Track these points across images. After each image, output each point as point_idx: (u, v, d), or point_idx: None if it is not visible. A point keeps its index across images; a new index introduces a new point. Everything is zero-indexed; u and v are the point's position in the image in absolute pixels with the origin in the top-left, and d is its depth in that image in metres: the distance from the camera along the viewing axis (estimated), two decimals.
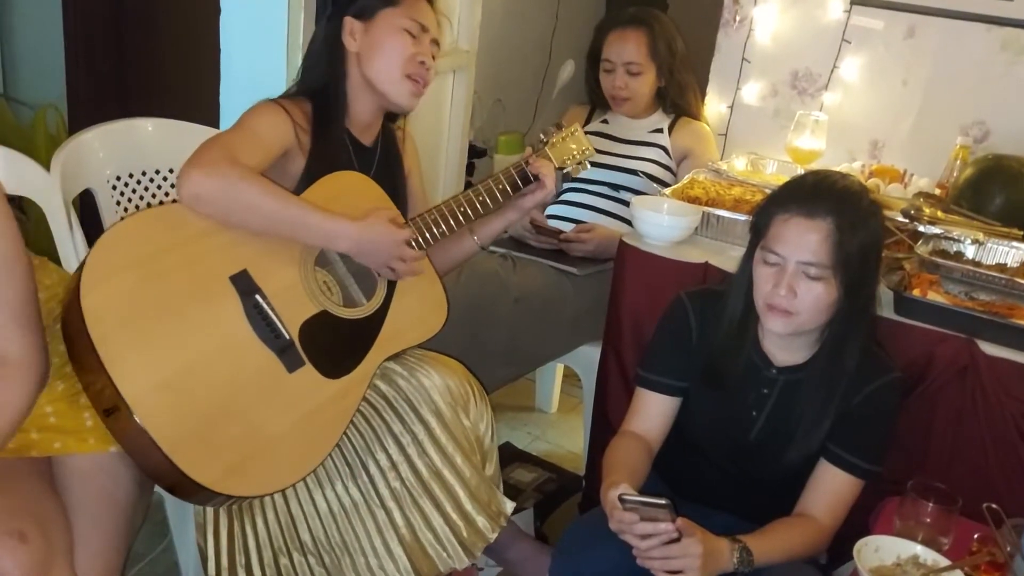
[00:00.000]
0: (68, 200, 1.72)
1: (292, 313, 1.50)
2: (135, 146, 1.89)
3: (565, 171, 1.80)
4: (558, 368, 2.80)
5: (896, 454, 1.55)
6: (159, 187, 1.94)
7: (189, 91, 2.74)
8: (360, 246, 1.53)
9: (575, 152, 1.80)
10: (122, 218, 1.45)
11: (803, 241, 1.39)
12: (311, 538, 1.55)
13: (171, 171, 1.94)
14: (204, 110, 2.64)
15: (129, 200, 1.89)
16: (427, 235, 1.63)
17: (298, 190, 1.58)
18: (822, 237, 1.38)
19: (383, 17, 1.65)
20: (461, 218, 1.66)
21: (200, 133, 1.89)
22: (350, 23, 1.66)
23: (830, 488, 1.48)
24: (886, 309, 1.66)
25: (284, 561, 1.55)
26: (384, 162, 1.75)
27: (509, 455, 2.52)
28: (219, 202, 1.44)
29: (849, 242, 1.38)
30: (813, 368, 1.50)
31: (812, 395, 1.49)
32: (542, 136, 1.79)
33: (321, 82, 1.67)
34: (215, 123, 2.48)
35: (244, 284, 1.47)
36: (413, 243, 1.61)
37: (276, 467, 1.44)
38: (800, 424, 1.49)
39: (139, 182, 1.91)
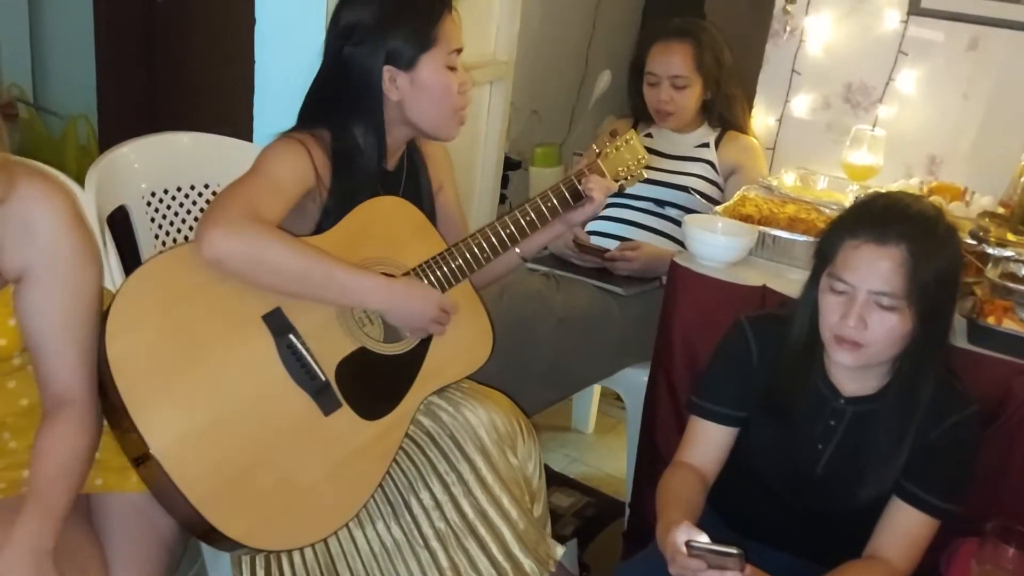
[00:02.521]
0: (103, 218, 1.67)
1: (328, 352, 1.43)
2: (171, 161, 1.84)
3: (619, 183, 1.72)
4: (596, 386, 2.72)
5: (970, 491, 1.46)
6: (194, 203, 1.88)
7: (222, 103, 2.69)
8: (393, 307, 1.46)
9: (630, 163, 1.71)
10: (149, 259, 1.40)
11: (875, 269, 1.31)
12: None
13: (206, 187, 1.88)
14: (237, 123, 2.59)
15: (164, 217, 1.84)
16: (471, 260, 1.55)
17: (321, 227, 1.51)
18: (895, 265, 1.30)
19: (426, 63, 1.53)
20: (508, 241, 1.58)
21: (237, 148, 1.84)
22: (390, 72, 1.53)
23: (905, 529, 1.39)
24: (959, 338, 1.57)
25: None
26: (411, 183, 1.67)
27: (546, 478, 2.43)
28: (243, 266, 1.36)
29: (925, 270, 1.30)
30: (885, 400, 1.42)
31: (884, 428, 1.41)
32: (595, 147, 1.71)
33: (345, 119, 1.56)
34: (248, 136, 2.43)
35: (277, 323, 1.40)
36: (456, 271, 1.54)
37: (311, 518, 1.38)
38: (871, 459, 1.41)
39: (174, 198, 1.86)
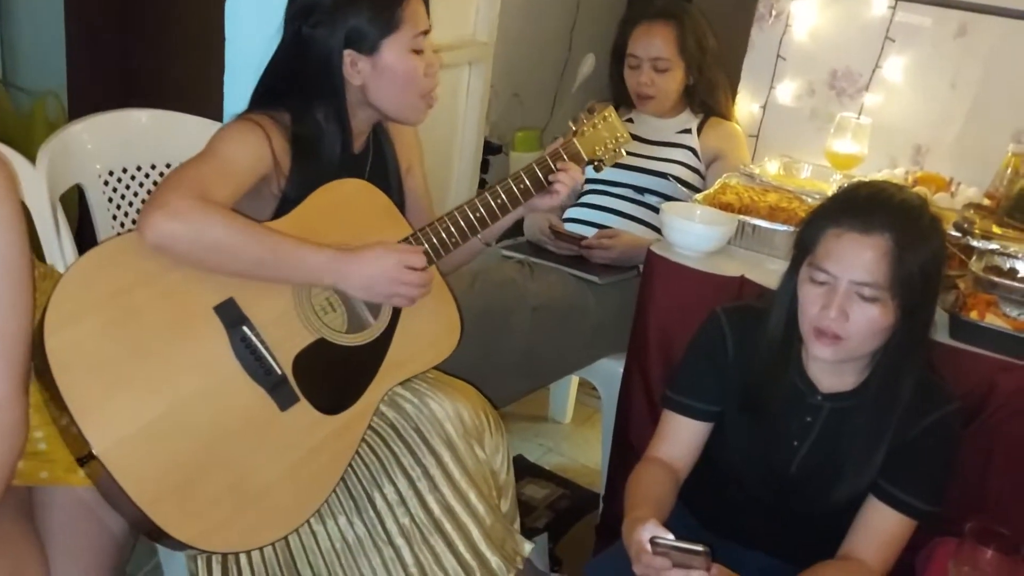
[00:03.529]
0: (55, 198, 1.59)
1: (284, 344, 1.37)
2: (128, 139, 1.76)
3: (596, 163, 1.65)
4: (574, 376, 2.67)
5: (950, 490, 1.42)
6: (155, 183, 1.81)
7: (193, 80, 2.62)
8: (348, 276, 1.38)
9: (608, 141, 1.65)
10: (95, 246, 1.31)
11: (858, 259, 1.27)
12: (312, 574, 1.42)
13: (168, 166, 1.81)
14: (208, 100, 2.52)
15: (123, 197, 1.77)
16: (438, 245, 1.49)
17: (278, 213, 1.44)
18: (879, 255, 1.26)
19: (388, 47, 1.46)
20: (477, 224, 1.52)
21: (198, 125, 1.77)
22: (351, 57, 1.46)
23: (880, 529, 1.35)
24: (940, 332, 1.53)
25: None
26: (377, 166, 1.60)
27: (521, 469, 2.40)
28: (187, 249, 1.28)
29: (909, 260, 1.26)
30: (863, 396, 1.38)
31: (862, 426, 1.37)
32: (571, 124, 1.64)
33: (305, 101, 1.48)
34: (218, 115, 2.36)
35: (230, 314, 1.33)
36: (423, 257, 1.48)
37: (267, 519, 1.32)
38: (848, 457, 1.37)
39: (133, 177, 1.79)
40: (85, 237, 1.75)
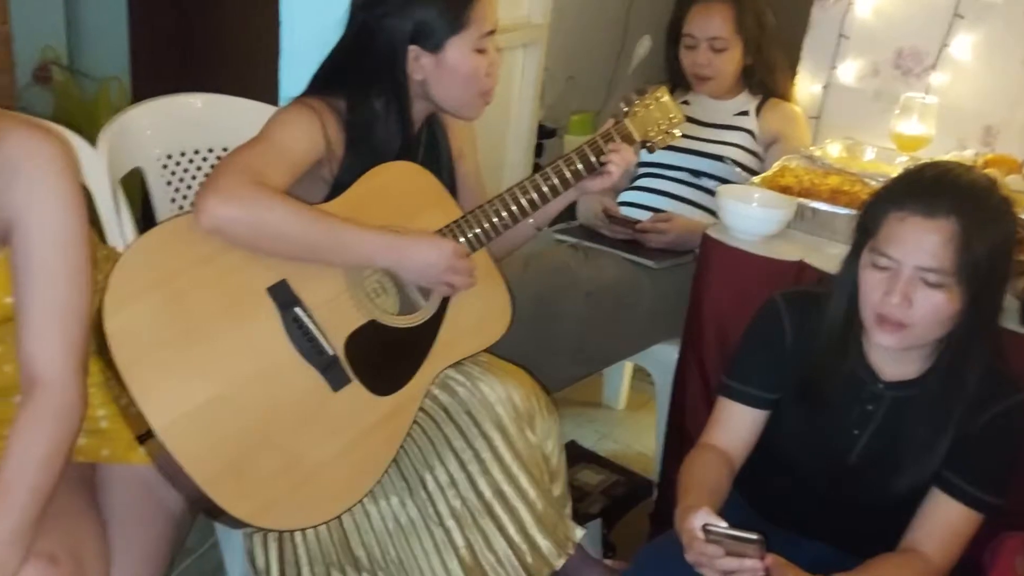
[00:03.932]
0: (115, 180, 1.63)
1: (337, 325, 1.38)
2: (184, 123, 1.79)
3: (648, 144, 1.63)
4: (627, 362, 2.64)
5: (1017, 483, 1.37)
6: (212, 166, 1.84)
7: (250, 65, 2.65)
8: (402, 262, 1.40)
9: (660, 122, 1.62)
10: (152, 228, 1.34)
11: (922, 243, 1.22)
12: (365, 554, 1.44)
13: (224, 150, 1.84)
14: (264, 85, 2.55)
15: (181, 180, 1.81)
16: (488, 227, 1.48)
17: (330, 197, 1.44)
18: (945, 239, 1.21)
19: (453, 46, 1.47)
20: (528, 207, 1.51)
21: (252, 109, 1.79)
22: (415, 52, 1.46)
23: (944, 522, 1.31)
24: (1009, 320, 1.48)
25: None
26: (430, 152, 1.60)
27: (574, 455, 2.38)
28: (243, 232, 1.30)
29: (977, 245, 1.21)
30: (927, 385, 1.33)
31: (925, 415, 1.32)
32: (623, 105, 1.62)
33: (364, 90, 1.48)
34: (274, 99, 2.38)
35: (283, 295, 1.34)
36: (473, 240, 1.47)
37: (320, 498, 1.33)
38: (910, 447, 1.33)
39: (191, 161, 1.82)
40: (150, 219, 1.79)
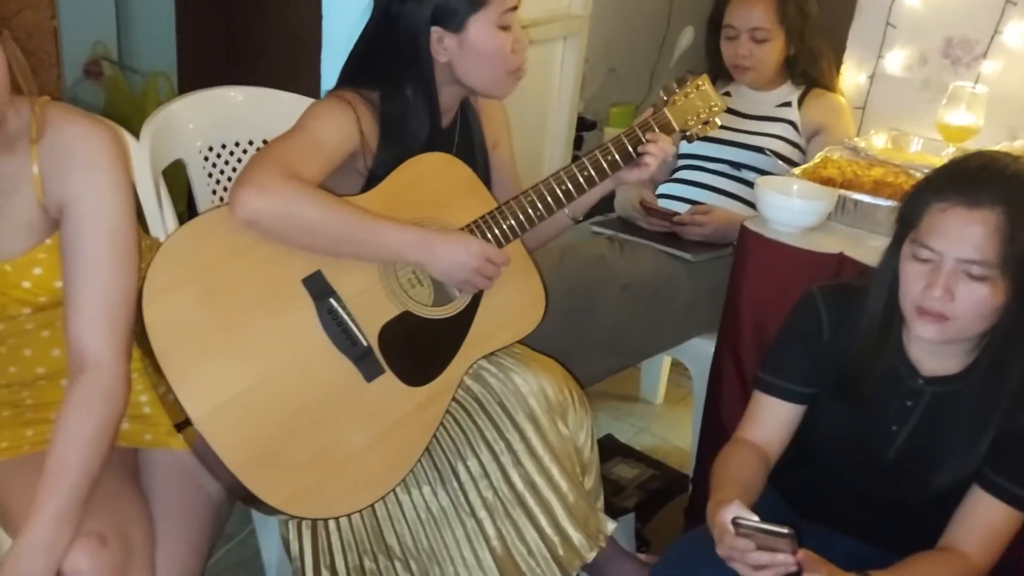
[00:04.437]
0: (157, 172, 1.66)
1: (371, 316, 1.39)
2: (224, 116, 1.81)
3: (688, 134, 1.61)
4: (665, 356, 2.62)
5: None
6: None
7: (292, 58, 2.69)
8: (432, 259, 1.40)
9: (701, 110, 1.60)
10: (188, 221, 1.37)
11: (965, 234, 1.19)
12: (398, 543, 1.45)
13: (264, 141, 1.86)
14: (306, 77, 2.58)
15: (222, 172, 1.84)
16: (522, 218, 1.48)
17: (365, 189, 1.45)
18: (989, 230, 1.18)
19: (476, 24, 1.46)
20: (563, 197, 1.50)
21: (292, 102, 1.81)
22: (438, 34, 1.46)
23: (985, 521, 1.28)
24: None
25: (370, 564, 1.46)
26: (464, 141, 1.60)
27: (610, 449, 2.38)
28: (276, 225, 1.31)
29: (1022, 236, 1.17)
30: (969, 380, 1.30)
31: (966, 412, 1.29)
32: (662, 94, 1.60)
33: (395, 79, 1.49)
34: (316, 92, 2.41)
35: (317, 286, 1.36)
36: (507, 231, 1.47)
37: (353, 487, 1.34)
38: (950, 443, 1.30)
39: (232, 153, 1.85)
40: (194, 211, 1.82)
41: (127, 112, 3.17)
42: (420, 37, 1.46)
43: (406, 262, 1.42)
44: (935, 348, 1.30)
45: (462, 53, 1.47)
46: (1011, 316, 1.23)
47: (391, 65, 1.48)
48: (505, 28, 1.48)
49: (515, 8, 1.49)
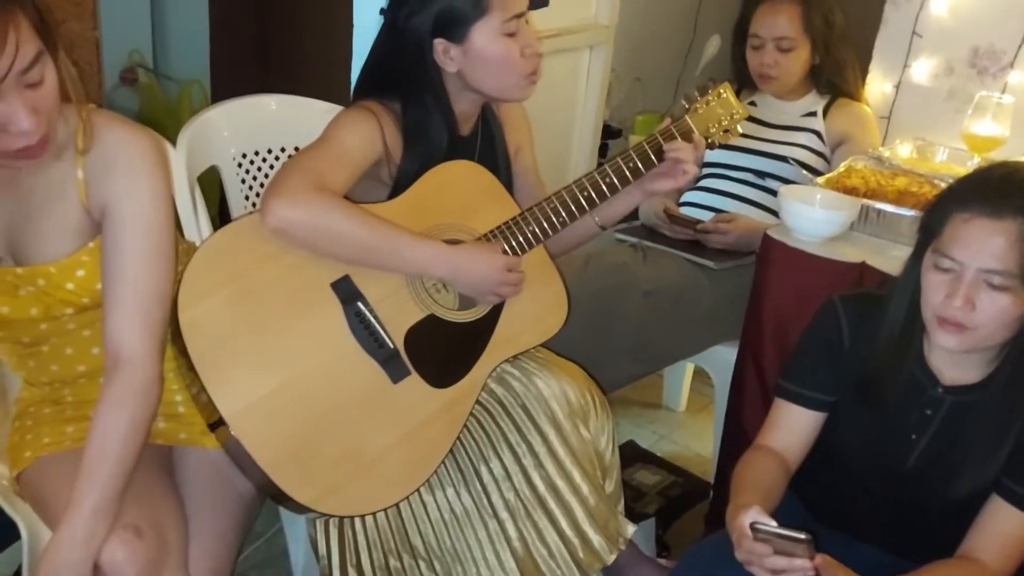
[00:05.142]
0: (192, 178, 1.70)
1: (397, 320, 1.42)
2: (259, 123, 1.86)
3: (709, 141, 1.62)
4: (688, 364, 2.63)
5: None
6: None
7: (324, 67, 2.73)
8: (457, 274, 1.43)
9: (723, 118, 1.61)
10: (221, 228, 1.41)
11: (987, 245, 1.20)
12: (422, 543, 1.48)
13: (296, 149, 1.90)
14: (338, 85, 2.62)
15: (254, 178, 1.88)
16: (546, 225, 1.50)
17: (391, 196, 1.48)
18: (1011, 241, 1.19)
19: (478, 33, 1.46)
20: (585, 204, 1.52)
21: (323, 110, 1.84)
22: (442, 45, 1.48)
23: (1004, 530, 1.28)
24: None
25: (395, 563, 1.49)
26: (486, 148, 1.62)
27: (632, 455, 2.39)
28: (305, 235, 1.35)
29: None
30: (990, 390, 1.30)
31: (986, 421, 1.30)
32: (683, 102, 1.61)
33: (413, 89, 1.51)
34: (346, 101, 2.45)
35: (346, 290, 1.40)
36: (531, 237, 1.49)
37: (380, 485, 1.38)
38: (969, 453, 1.31)
39: (264, 159, 1.89)
40: (226, 216, 1.86)
41: (162, 119, 3.23)
42: (425, 49, 1.48)
43: (431, 276, 1.46)
44: (955, 357, 1.31)
45: (469, 62, 1.49)
46: None
47: (403, 77, 1.51)
48: (511, 35, 1.49)
49: (520, 15, 1.50)
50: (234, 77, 3.28)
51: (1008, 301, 1.20)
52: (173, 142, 1.68)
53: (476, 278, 1.44)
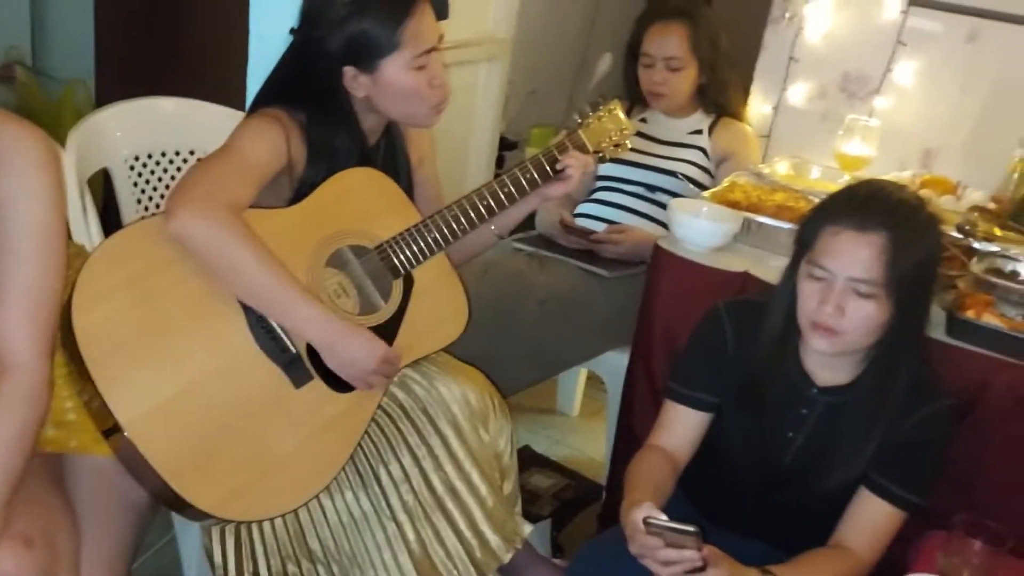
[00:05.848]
0: (82, 181, 1.65)
1: None
2: (154, 126, 1.82)
3: (600, 155, 1.69)
4: (582, 370, 2.70)
5: (941, 485, 1.45)
6: (179, 169, 1.87)
7: (218, 71, 2.68)
8: (331, 347, 1.39)
9: (612, 133, 1.68)
10: (121, 229, 1.38)
11: (854, 256, 1.30)
12: (320, 547, 1.48)
13: (191, 153, 1.87)
14: (231, 90, 2.57)
15: (147, 182, 1.84)
16: (447, 232, 1.53)
17: (293, 200, 1.48)
18: (875, 253, 1.29)
19: (388, 65, 1.46)
20: (484, 212, 1.56)
21: (221, 114, 1.83)
22: (351, 72, 1.48)
23: (871, 519, 1.39)
24: (937, 330, 1.56)
25: (292, 568, 1.48)
26: (389, 159, 1.64)
27: (527, 459, 2.44)
28: (202, 252, 1.33)
29: (904, 259, 1.29)
30: (858, 390, 1.41)
31: (855, 419, 1.40)
32: (577, 117, 1.68)
33: (318, 105, 1.50)
34: (241, 104, 2.42)
35: None
36: (432, 243, 1.52)
37: (282, 489, 1.38)
38: (840, 449, 1.40)
39: (158, 163, 1.85)
40: (110, 219, 1.81)
41: (41, 118, 3.08)
42: (332, 73, 1.48)
43: (306, 338, 1.40)
44: (828, 360, 1.41)
45: (378, 91, 1.49)
46: (895, 331, 1.34)
47: (310, 95, 1.50)
48: (420, 68, 1.49)
49: (431, 50, 1.50)
50: (121, 78, 3.17)
51: (873, 308, 1.31)
52: (56, 142, 1.62)
53: (349, 359, 1.40)
